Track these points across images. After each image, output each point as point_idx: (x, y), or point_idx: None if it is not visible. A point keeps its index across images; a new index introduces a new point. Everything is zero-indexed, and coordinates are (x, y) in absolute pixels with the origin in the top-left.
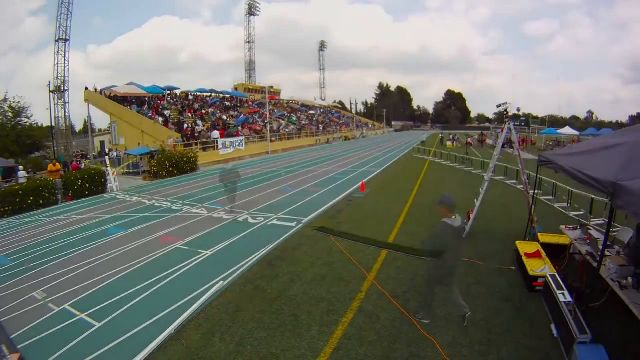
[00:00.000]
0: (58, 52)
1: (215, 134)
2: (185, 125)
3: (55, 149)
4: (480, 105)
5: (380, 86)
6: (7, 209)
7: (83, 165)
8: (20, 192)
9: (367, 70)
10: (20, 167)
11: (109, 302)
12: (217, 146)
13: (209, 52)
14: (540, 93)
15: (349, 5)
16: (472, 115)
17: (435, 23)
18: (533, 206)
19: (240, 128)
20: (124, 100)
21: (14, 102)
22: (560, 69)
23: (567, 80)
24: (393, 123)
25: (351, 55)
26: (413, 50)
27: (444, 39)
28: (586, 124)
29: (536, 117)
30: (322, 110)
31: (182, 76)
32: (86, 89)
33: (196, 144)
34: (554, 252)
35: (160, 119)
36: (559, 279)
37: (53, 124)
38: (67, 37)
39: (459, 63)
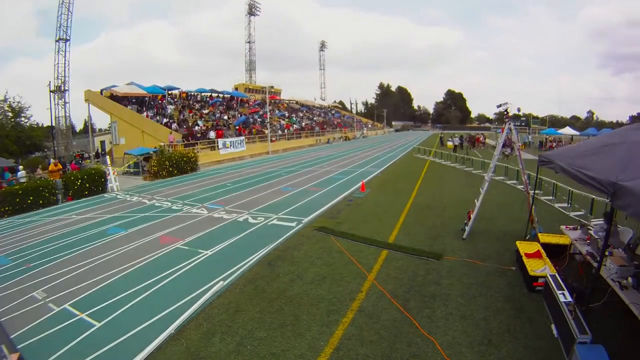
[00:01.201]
0: (58, 51)
1: (212, 134)
2: (184, 126)
3: (56, 149)
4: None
5: (381, 86)
6: (7, 208)
7: (82, 163)
8: (20, 192)
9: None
10: (20, 167)
11: (109, 302)
12: (218, 146)
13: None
14: (536, 91)
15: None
16: (473, 115)
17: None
18: (533, 206)
19: (239, 127)
20: (124, 100)
21: (13, 102)
22: (553, 66)
23: (559, 78)
24: (393, 123)
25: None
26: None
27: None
28: (586, 123)
29: (536, 117)
30: (322, 110)
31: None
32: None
33: (196, 144)
34: (554, 252)
35: (164, 119)
36: (559, 279)
37: (53, 124)
38: (68, 37)
39: (440, 59)
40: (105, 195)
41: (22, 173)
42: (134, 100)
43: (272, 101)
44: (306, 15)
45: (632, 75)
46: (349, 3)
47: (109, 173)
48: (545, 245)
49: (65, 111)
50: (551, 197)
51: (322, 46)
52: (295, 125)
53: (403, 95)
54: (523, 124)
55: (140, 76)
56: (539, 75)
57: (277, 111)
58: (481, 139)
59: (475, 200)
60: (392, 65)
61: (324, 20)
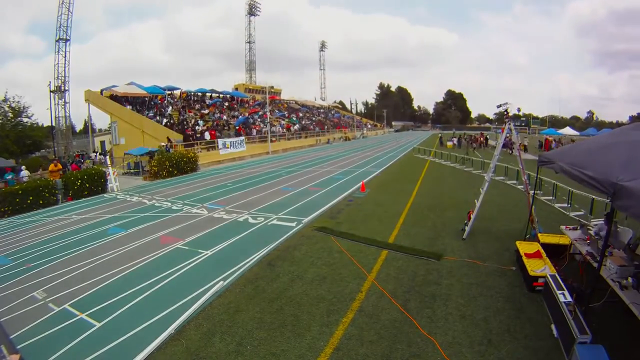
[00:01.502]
0: (58, 51)
1: (206, 135)
2: (181, 126)
3: (56, 149)
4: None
5: (381, 86)
6: (7, 209)
7: (84, 166)
8: (20, 192)
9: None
10: (23, 167)
11: (109, 302)
12: (218, 146)
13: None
14: (536, 91)
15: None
16: (473, 115)
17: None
18: (533, 206)
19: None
20: (123, 100)
21: (13, 102)
22: (553, 66)
23: (559, 77)
24: (393, 123)
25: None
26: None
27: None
28: (586, 123)
29: (536, 117)
30: (322, 110)
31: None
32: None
33: (196, 144)
34: (554, 252)
35: (164, 119)
36: (559, 279)
37: (53, 124)
38: (68, 37)
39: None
40: (105, 195)
41: (25, 173)
42: (130, 99)
43: (272, 101)
44: (306, 15)
45: (631, 74)
46: (349, 3)
47: (109, 173)
48: (545, 245)
49: (65, 111)
50: (551, 197)
51: (322, 46)
52: (296, 126)
53: (403, 95)
54: (523, 124)
55: (141, 76)
56: (539, 75)
57: (277, 111)
58: (482, 139)
59: (475, 200)
60: (391, 65)
61: (323, 20)
